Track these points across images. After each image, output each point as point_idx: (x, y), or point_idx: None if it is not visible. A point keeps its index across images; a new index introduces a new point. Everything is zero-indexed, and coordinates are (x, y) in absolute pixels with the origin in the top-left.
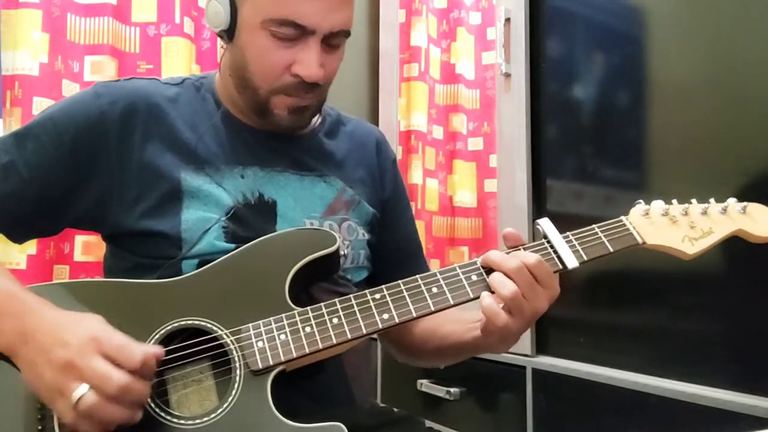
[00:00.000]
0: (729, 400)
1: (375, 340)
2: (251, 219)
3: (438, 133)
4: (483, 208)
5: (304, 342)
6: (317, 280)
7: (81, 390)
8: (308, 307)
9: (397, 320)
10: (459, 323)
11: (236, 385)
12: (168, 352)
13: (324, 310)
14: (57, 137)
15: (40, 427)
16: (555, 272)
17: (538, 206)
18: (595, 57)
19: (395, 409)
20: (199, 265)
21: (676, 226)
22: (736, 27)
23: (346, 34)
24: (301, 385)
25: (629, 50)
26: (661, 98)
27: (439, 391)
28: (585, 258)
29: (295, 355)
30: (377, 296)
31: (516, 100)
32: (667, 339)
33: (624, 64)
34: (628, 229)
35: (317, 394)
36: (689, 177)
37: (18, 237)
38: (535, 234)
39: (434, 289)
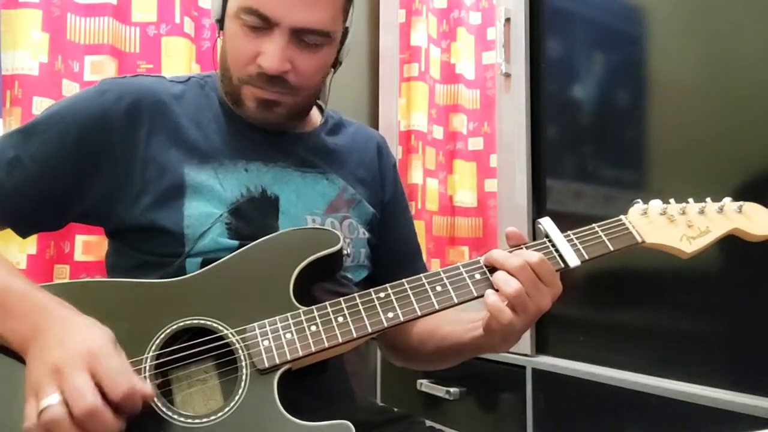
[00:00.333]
0: (729, 400)
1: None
2: (254, 214)
3: (438, 133)
4: (483, 208)
5: (310, 341)
6: (320, 280)
7: (51, 400)
8: (313, 306)
9: (402, 319)
10: (458, 324)
11: (243, 384)
12: (173, 352)
13: (329, 309)
14: (63, 132)
15: None
16: (557, 271)
17: (538, 206)
18: (595, 57)
19: (395, 409)
20: (203, 263)
21: (674, 225)
22: (736, 27)
23: (323, 34)
24: (303, 383)
25: (629, 50)
26: (661, 98)
27: (439, 391)
28: (586, 257)
29: (301, 353)
30: (381, 295)
31: (516, 100)
32: (667, 339)
33: (624, 64)
34: (627, 229)
35: (319, 392)
36: (689, 176)
37: (24, 231)
38: (536, 233)
39: (438, 288)
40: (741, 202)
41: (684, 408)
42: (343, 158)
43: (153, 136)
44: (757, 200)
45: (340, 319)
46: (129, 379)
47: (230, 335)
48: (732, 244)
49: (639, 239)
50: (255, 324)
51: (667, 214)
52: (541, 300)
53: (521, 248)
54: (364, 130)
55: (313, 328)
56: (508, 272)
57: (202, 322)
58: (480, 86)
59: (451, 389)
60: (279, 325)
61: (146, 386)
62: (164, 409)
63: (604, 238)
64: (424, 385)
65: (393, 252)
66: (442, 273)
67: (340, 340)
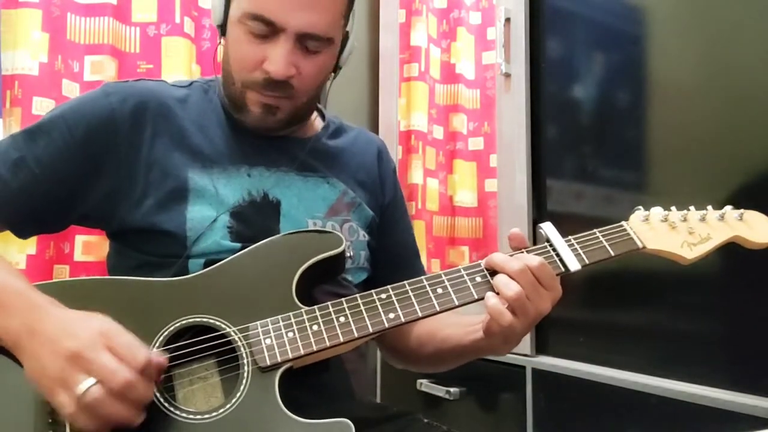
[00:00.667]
0: (729, 400)
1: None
2: (255, 218)
3: (438, 133)
4: (483, 208)
5: (312, 340)
6: (323, 282)
7: (87, 383)
8: (315, 306)
9: (403, 320)
10: (458, 326)
11: (244, 382)
12: (175, 349)
13: (331, 309)
14: (68, 134)
15: (50, 420)
16: (557, 275)
17: (538, 206)
18: (595, 57)
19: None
20: (206, 265)
21: (676, 232)
22: (736, 27)
23: (325, 39)
24: (304, 381)
25: (629, 50)
26: (661, 98)
27: (439, 391)
28: (587, 261)
29: (302, 352)
30: (383, 296)
31: (516, 100)
32: (667, 339)
33: (624, 63)
34: (628, 234)
35: (320, 390)
36: (689, 177)
37: (24, 232)
38: (537, 236)
39: (439, 290)
40: (742, 210)
41: (684, 408)
42: (343, 162)
43: (157, 139)
44: (757, 199)
45: (342, 318)
46: (144, 348)
47: (232, 333)
48: (732, 245)
49: (640, 245)
50: (257, 322)
51: (669, 221)
52: (541, 304)
53: (522, 252)
54: (365, 135)
55: (315, 327)
56: (509, 275)
57: (204, 320)
58: (480, 86)
59: (451, 389)
60: (281, 323)
61: (158, 354)
62: (167, 405)
63: (605, 243)
64: (424, 385)
65: (392, 255)
66: (443, 275)
67: (342, 339)
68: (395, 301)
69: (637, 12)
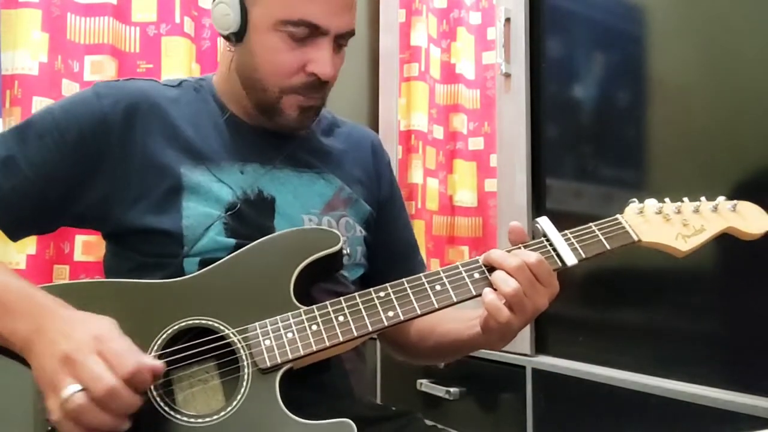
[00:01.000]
0: (729, 400)
1: (374, 339)
2: (250, 216)
3: (438, 132)
4: (483, 208)
5: (311, 340)
6: (320, 280)
7: (72, 389)
8: (314, 306)
9: (402, 318)
10: (457, 321)
11: (244, 384)
12: (175, 352)
13: (330, 309)
14: (60, 136)
15: (50, 428)
16: (554, 270)
17: (538, 205)
18: (595, 56)
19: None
20: (201, 263)
21: (670, 224)
22: (736, 26)
23: (352, 34)
24: (304, 381)
25: (629, 50)
26: (661, 97)
27: (439, 390)
28: (583, 255)
29: (302, 352)
30: (382, 294)
31: (516, 100)
32: (667, 339)
33: (624, 63)
34: (623, 227)
35: (320, 389)
36: (688, 175)
37: (16, 234)
38: (534, 232)
39: (437, 287)
40: (735, 201)
41: (684, 408)
42: (338, 158)
43: (149, 138)
44: (757, 199)
45: (341, 318)
46: (135, 356)
47: (231, 335)
48: (731, 243)
49: (635, 238)
50: (256, 323)
51: (663, 213)
52: (539, 300)
53: (519, 248)
54: (359, 130)
55: (314, 327)
56: (507, 272)
57: (203, 322)
58: (480, 86)
59: (451, 389)
60: (280, 324)
61: (155, 362)
62: (167, 409)
63: (601, 237)
64: (424, 385)
65: (392, 250)
66: (441, 272)
67: (341, 339)
68: (394, 300)
69: (637, 12)
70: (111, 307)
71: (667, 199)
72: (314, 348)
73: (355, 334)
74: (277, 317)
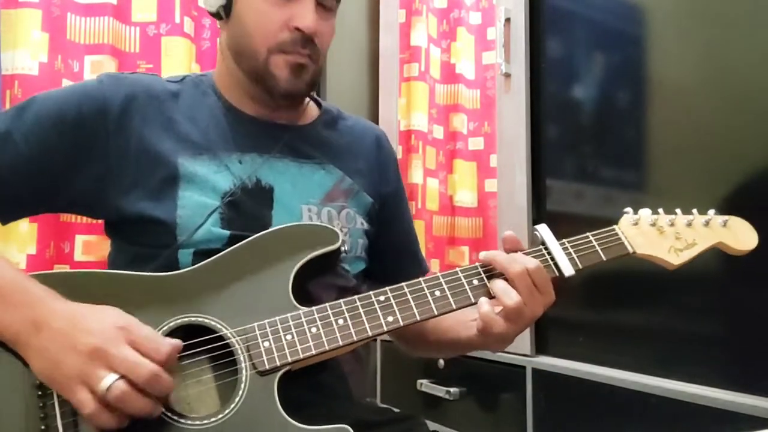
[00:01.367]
0: (729, 400)
1: (375, 340)
2: (247, 204)
3: (438, 132)
4: (483, 208)
5: (311, 343)
6: (317, 275)
7: (110, 378)
8: (313, 308)
9: (401, 323)
10: (457, 320)
11: (242, 386)
12: None
13: (329, 311)
14: (59, 116)
15: (42, 415)
16: (551, 278)
17: (538, 206)
18: (595, 57)
19: (396, 410)
20: (195, 254)
21: (663, 237)
22: (737, 26)
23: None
24: (302, 381)
25: (629, 50)
26: (661, 98)
27: (439, 391)
28: (580, 266)
29: (301, 355)
30: (381, 298)
31: (516, 100)
32: (667, 339)
33: (624, 63)
34: (620, 239)
35: (317, 390)
36: (688, 176)
37: (7, 214)
38: (532, 239)
39: (437, 293)
40: (726, 217)
41: (684, 408)
42: (340, 149)
43: (146, 128)
44: (756, 199)
45: (341, 321)
46: (164, 339)
47: (230, 335)
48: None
49: (630, 250)
50: (255, 324)
51: (657, 226)
52: (535, 308)
53: (518, 253)
54: (363, 123)
55: (314, 329)
56: (509, 278)
57: (201, 320)
58: (480, 86)
59: (451, 389)
60: (279, 326)
61: (175, 340)
62: (164, 410)
63: (598, 247)
64: (424, 385)
65: (395, 246)
66: (440, 277)
67: (341, 342)
68: (394, 304)
69: (637, 12)
70: (106, 299)
71: (660, 210)
72: (313, 351)
73: (354, 338)
74: (276, 318)
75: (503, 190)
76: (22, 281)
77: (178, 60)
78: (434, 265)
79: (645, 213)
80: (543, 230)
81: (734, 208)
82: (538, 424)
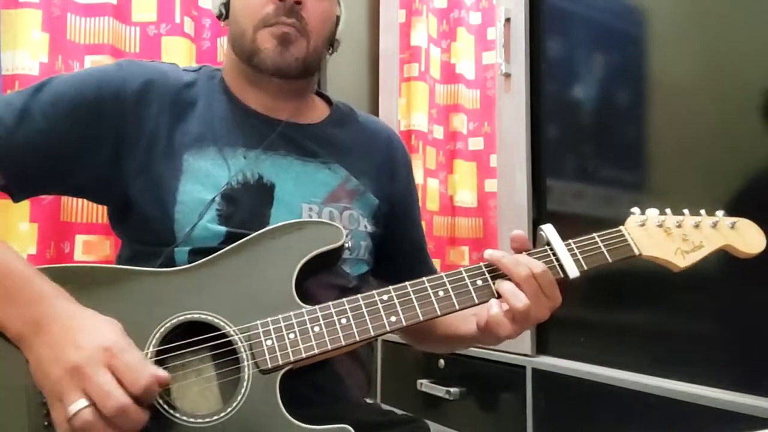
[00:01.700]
0: (729, 400)
1: (376, 340)
2: (246, 200)
3: (438, 132)
4: (483, 208)
5: (313, 342)
6: (319, 272)
7: (79, 404)
8: (316, 306)
9: (404, 323)
10: (461, 317)
11: (245, 384)
12: (174, 347)
13: (332, 310)
14: (78, 95)
15: (45, 411)
16: (556, 280)
17: (538, 206)
18: (595, 57)
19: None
20: (191, 252)
21: (671, 239)
22: (736, 27)
23: None
24: (301, 377)
25: (629, 50)
26: (661, 98)
27: (439, 391)
28: (585, 267)
29: (304, 355)
30: (385, 298)
31: (516, 100)
32: (667, 339)
33: (624, 63)
34: (626, 241)
35: (315, 387)
36: (689, 176)
37: (20, 190)
38: (537, 239)
39: (441, 293)
40: (735, 219)
41: (684, 408)
42: (348, 149)
43: (160, 116)
44: (757, 199)
45: (344, 320)
46: (147, 370)
47: (233, 333)
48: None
49: (637, 252)
50: (258, 322)
51: (665, 227)
52: (541, 311)
53: (523, 254)
54: (375, 123)
55: (317, 329)
56: (515, 281)
57: (204, 317)
58: (480, 86)
59: (451, 389)
60: (282, 324)
61: (162, 372)
62: (166, 407)
63: (603, 249)
64: (424, 385)
65: (407, 248)
66: (444, 277)
67: (343, 342)
68: (397, 304)
69: (637, 12)
70: (110, 294)
71: (668, 210)
72: (316, 351)
73: (357, 338)
74: (279, 316)
75: (503, 190)
76: (30, 277)
77: (178, 60)
78: (435, 266)
79: (652, 213)
80: (548, 230)
81: (733, 208)
82: (538, 424)
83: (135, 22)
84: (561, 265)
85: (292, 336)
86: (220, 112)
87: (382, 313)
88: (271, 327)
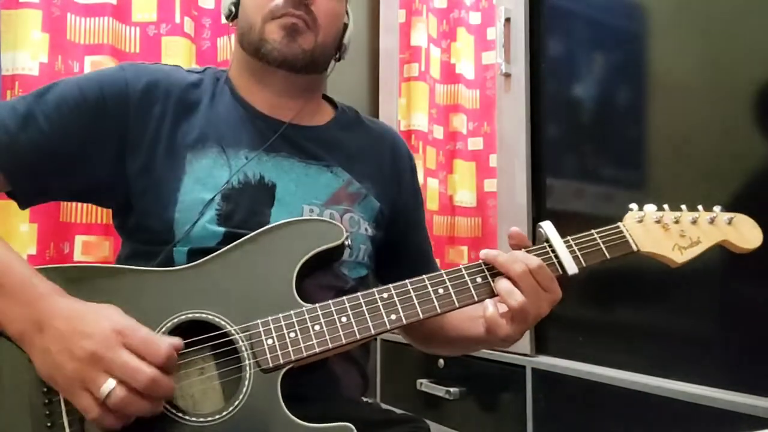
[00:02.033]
0: (729, 400)
1: (375, 339)
2: (246, 201)
3: (438, 132)
4: (483, 208)
5: (314, 341)
6: (317, 270)
7: (109, 384)
8: (317, 305)
9: (404, 321)
10: (466, 316)
11: (246, 383)
12: None
13: (333, 309)
14: (81, 97)
15: (47, 412)
16: (555, 277)
17: (538, 205)
18: (595, 56)
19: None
20: (190, 252)
21: (668, 235)
22: (737, 26)
23: None
24: (303, 379)
25: (629, 49)
26: (661, 97)
27: (439, 390)
28: (584, 264)
29: (305, 354)
30: (385, 296)
31: (516, 100)
32: (667, 339)
33: (624, 63)
34: (624, 237)
35: (319, 387)
36: (689, 175)
37: (27, 195)
38: (536, 236)
39: (440, 291)
40: (732, 214)
41: (684, 408)
42: (352, 152)
43: (163, 118)
44: (757, 198)
45: (344, 319)
46: (162, 341)
47: (234, 332)
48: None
49: (635, 248)
50: (259, 321)
51: (662, 223)
52: (541, 307)
53: (521, 251)
54: (381, 127)
55: (317, 327)
56: (512, 279)
57: (204, 316)
58: (480, 86)
59: (451, 389)
60: (283, 323)
61: (175, 339)
62: (168, 406)
63: (602, 245)
64: (424, 385)
65: (414, 252)
66: (444, 275)
67: (344, 341)
68: (397, 302)
69: (637, 11)
70: (110, 295)
71: (666, 206)
72: (317, 350)
73: (358, 336)
74: (280, 315)
75: (503, 190)
76: (29, 277)
77: (178, 60)
78: (439, 268)
79: (650, 209)
80: (547, 227)
81: (733, 207)
82: (538, 424)
83: (135, 22)
84: (560, 262)
85: (293, 335)
86: (224, 112)
87: (383, 311)
88: (271, 326)
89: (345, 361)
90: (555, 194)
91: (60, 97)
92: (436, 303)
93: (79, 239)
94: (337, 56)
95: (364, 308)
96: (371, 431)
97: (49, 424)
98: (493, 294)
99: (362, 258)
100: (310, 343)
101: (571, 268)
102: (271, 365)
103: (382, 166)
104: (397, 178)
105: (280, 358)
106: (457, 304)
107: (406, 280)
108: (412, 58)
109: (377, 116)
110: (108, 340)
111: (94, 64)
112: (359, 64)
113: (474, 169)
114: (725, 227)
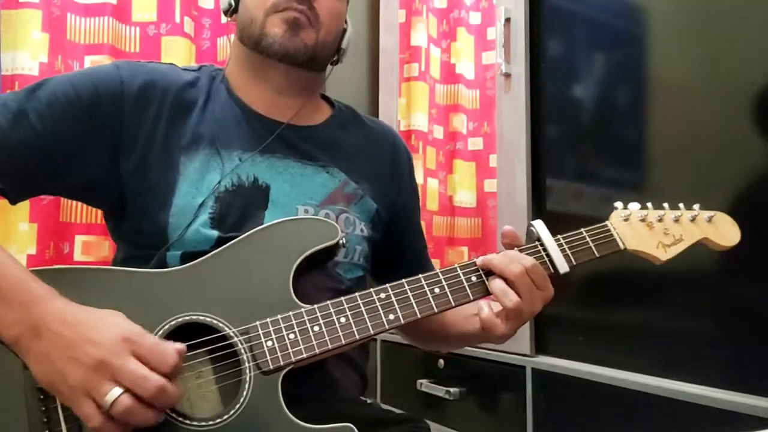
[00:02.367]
0: (729, 400)
1: (374, 339)
2: (240, 203)
3: (438, 132)
4: (482, 208)
5: (314, 342)
6: (313, 269)
7: (115, 392)
8: (315, 306)
9: (402, 321)
10: (462, 314)
11: (246, 386)
12: None
13: (331, 309)
14: (74, 95)
15: (45, 419)
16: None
17: (538, 206)
18: (595, 57)
19: (398, 411)
20: (183, 256)
21: (653, 233)
22: (737, 27)
23: None
24: (302, 379)
25: (629, 50)
26: (661, 98)
27: (439, 390)
28: (574, 263)
29: (305, 355)
30: (382, 296)
31: (516, 100)
32: (667, 339)
33: (624, 63)
34: (611, 235)
35: (319, 387)
36: (688, 176)
37: (17, 192)
38: (528, 234)
39: (436, 290)
40: (712, 212)
41: (684, 408)
42: (349, 152)
43: (158, 119)
44: (755, 199)
45: (343, 319)
46: (169, 348)
47: (233, 335)
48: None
49: (622, 246)
50: (257, 323)
51: (647, 221)
52: (535, 305)
53: (514, 250)
54: (380, 127)
55: (316, 328)
56: (509, 280)
57: (202, 318)
58: (480, 86)
59: (451, 389)
60: (282, 325)
61: (179, 345)
62: (168, 411)
63: (591, 243)
64: (424, 385)
65: (411, 254)
66: (440, 274)
67: (343, 341)
68: (395, 302)
69: (637, 12)
70: (107, 296)
71: (649, 205)
72: (317, 351)
73: (357, 336)
74: (279, 317)
75: (503, 190)
76: (25, 281)
77: (178, 60)
78: (435, 266)
79: (634, 207)
80: (539, 226)
81: (733, 207)
82: (538, 424)
83: (135, 22)
84: (551, 261)
85: (292, 336)
86: (219, 112)
87: (381, 311)
88: (270, 328)
89: (343, 361)
90: (555, 194)
91: (52, 94)
92: (432, 302)
93: (79, 239)
94: (335, 59)
95: (363, 309)
96: (371, 431)
97: (45, 419)
98: (487, 292)
99: (358, 259)
100: (310, 344)
101: (563, 267)
102: (271, 367)
103: (380, 166)
104: (396, 178)
105: (281, 359)
106: (452, 303)
107: (403, 280)
108: (412, 58)
109: (377, 116)
110: (116, 347)
111: (94, 64)
112: (359, 64)
113: (474, 169)
114: (705, 225)
